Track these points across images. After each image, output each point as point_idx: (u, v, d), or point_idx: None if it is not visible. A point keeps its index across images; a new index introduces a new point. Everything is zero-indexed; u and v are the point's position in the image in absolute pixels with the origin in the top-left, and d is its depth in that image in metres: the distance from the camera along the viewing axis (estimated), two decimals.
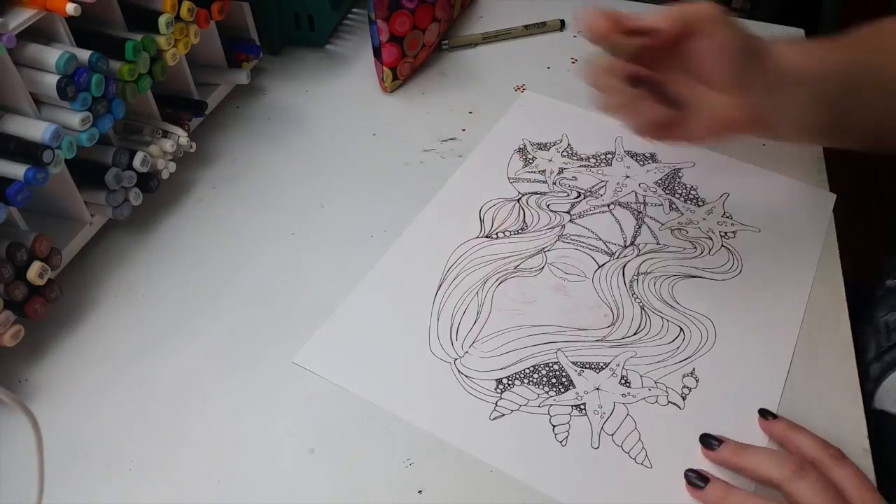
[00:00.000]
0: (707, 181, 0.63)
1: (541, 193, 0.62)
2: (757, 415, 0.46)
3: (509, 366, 0.50)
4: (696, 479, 0.43)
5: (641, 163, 0.65)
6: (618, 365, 0.50)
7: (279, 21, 0.77)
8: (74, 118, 0.50)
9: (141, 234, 0.60)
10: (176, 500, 0.44)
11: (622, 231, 0.59)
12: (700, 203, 0.61)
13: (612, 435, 0.46)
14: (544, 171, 0.64)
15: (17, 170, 0.47)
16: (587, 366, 0.50)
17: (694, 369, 0.50)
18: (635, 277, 0.55)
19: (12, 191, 0.46)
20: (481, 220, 0.60)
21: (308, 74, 0.76)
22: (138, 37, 0.54)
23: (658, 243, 0.58)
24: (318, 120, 0.71)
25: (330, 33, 0.81)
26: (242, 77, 0.69)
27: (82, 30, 0.52)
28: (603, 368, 0.50)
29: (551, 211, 0.61)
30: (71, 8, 0.47)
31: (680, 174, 0.63)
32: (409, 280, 0.56)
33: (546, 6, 0.84)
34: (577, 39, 0.81)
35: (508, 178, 0.64)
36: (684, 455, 0.45)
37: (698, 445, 0.45)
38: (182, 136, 0.60)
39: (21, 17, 0.46)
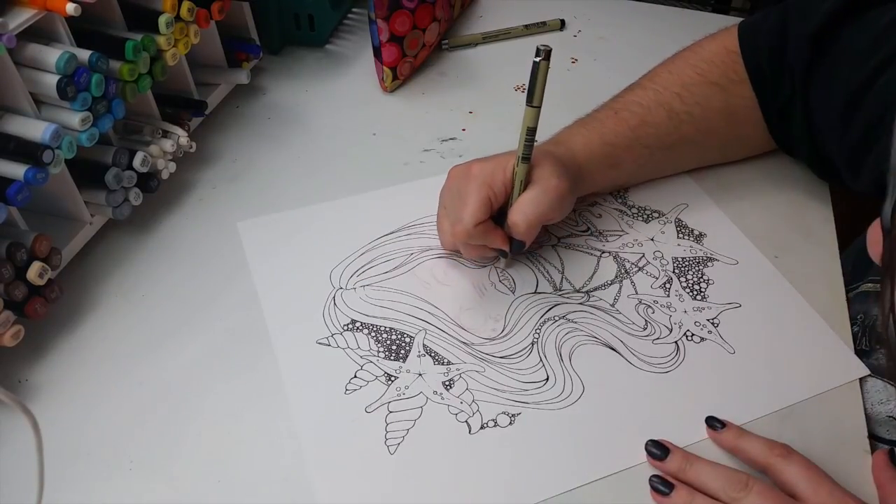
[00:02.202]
0: (731, 283, 0.55)
1: None
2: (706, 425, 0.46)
3: (374, 317, 0.53)
4: (660, 485, 0.43)
5: (681, 236, 0.59)
6: (458, 369, 0.50)
7: (279, 21, 0.77)
8: (74, 118, 0.50)
9: (141, 234, 0.60)
10: (176, 500, 0.44)
11: (590, 278, 0.56)
12: (698, 297, 0.55)
13: (390, 412, 0.47)
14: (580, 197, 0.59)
15: (17, 170, 0.47)
16: (432, 354, 0.51)
17: (519, 413, 0.47)
18: (554, 319, 0.53)
19: (12, 191, 0.46)
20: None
21: (308, 74, 0.76)
22: (138, 37, 0.54)
23: (612, 306, 0.54)
24: (318, 120, 0.71)
25: (330, 33, 0.81)
26: (242, 77, 0.69)
27: (82, 30, 0.52)
28: (443, 364, 0.50)
29: (546, 230, 0.59)
30: (71, 8, 0.47)
31: (710, 263, 0.57)
32: (370, 217, 0.60)
33: (546, 6, 0.84)
34: (577, 39, 0.81)
35: None
36: (429, 459, 0.45)
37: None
38: (182, 135, 0.60)
39: (21, 17, 0.46)
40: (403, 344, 0.51)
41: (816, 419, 0.46)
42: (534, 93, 0.48)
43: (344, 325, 0.52)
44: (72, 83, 0.49)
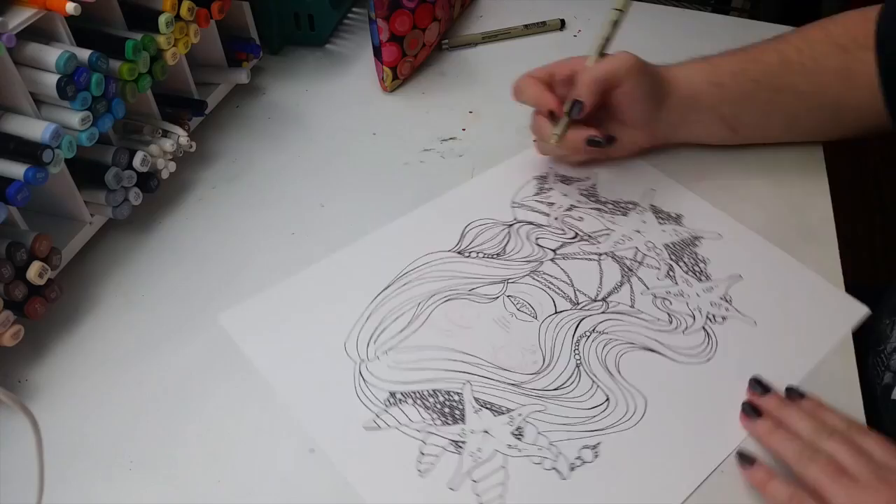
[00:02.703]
0: (724, 257, 0.57)
1: (536, 225, 0.59)
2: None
3: (411, 382, 0.48)
4: (750, 410, 0.46)
5: (661, 221, 0.59)
6: (520, 414, 0.47)
7: (279, 20, 0.77)
8: (74, 118, 0.50)
9: (141, 234, 0.60)
10: (176, 500, 0.44)
11: (600, 284, 0.55)
12: (703, 278, 0.55)
13: (477, 482, 0.44)
14: (553, 205, 0.61)
15: (16, 169, 0.47)
16: (488, 406, 0.47)
17: (599, 443, 0.46)
18: (587, 334, 0.52)
19: (12, 190, 0.46)
20: (462, 236, 0.58)
21: (308, 74, 0.76)
22: (138, 36, 0.54)
23: (632, 307, 0.53)
24: (318, 120, 0.71)
25: (330, 33, 0.81)
26: (242, 76, 0.69)
27: (82, 29, 0.52)
28: (503, 413, 0.47)
29: (538, 245, 0.58)
30: (71, 7, 0.47)
31: (698, 242, 0.58)
32: (360, 274, 0.56)
33: (546, 6, 0.84)
34: (577, 39, 0.81)
35: (512, 202, 0.61)
36: None
37: None
38: (182, 135, 0.60)
39: (21, 17, 0.46)
40: (454, 403, 0.48)
41: None
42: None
43: (385, 401, 0.47)
44: (72, 83, 0.48)
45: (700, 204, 0.61)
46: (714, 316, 0.53)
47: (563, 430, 0.46)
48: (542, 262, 0.57)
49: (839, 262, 0.57)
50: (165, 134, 0.60)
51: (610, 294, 0.54)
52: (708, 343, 0.51)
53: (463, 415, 0.47)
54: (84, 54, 0.49)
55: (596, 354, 0.50)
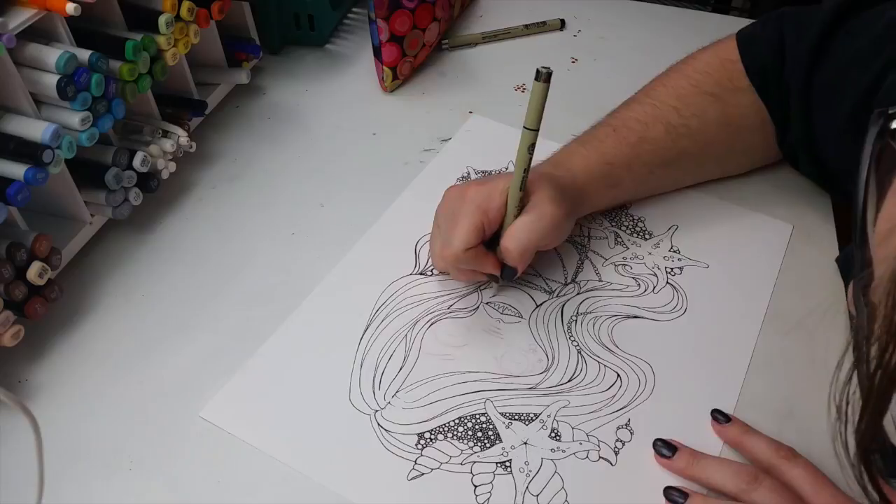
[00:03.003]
0: (656, 213, 0.60)
1: None
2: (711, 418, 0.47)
3: (433, 418, 0.47)
4: (677, 496, 0.43)
5: None
6: (549, 416, 0.47)
7: (279, 21, 0.77)
8: (74, 118, 0.50)
9: (141, 234, 0.60)
10: (176, 500, 0.44)
11: (563, 267, 0.56)
12: (647, 236, 0.58)
13: (538, 496, 0.43)
14: None
15: (17, 170, 0.47)
16: (516, 417, 0.47)
17: (629, 420, 0.47)
18: (574, 318, 0.53)
19: (12, 191, 0.46)
20: (416, 255, 0.57)
21: (308, 74, 0.76)
22: (138, 36, 0.54)
23: (600, 280, 0.55)
24: (318, 120, 0.71)
25: (330, 33, 0.81)
26: (242, 77, 0.69)
27: (82, 29, 0.52)
28: (533, 420, 0.47)
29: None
30: (71, 8, 0.47)
31: (628, 205, 0.61)
32: (334, 323, 0.52)
33: (546, 6, 0.84)
34: (577, 39, 0.81)
35: None
36: None
37: None
38: (182, 135, 0.60)
39: (21, 17, 0.46)
40: (484, 425, 0.47)
41: (817, 419, 0.46)
42: (532, 115, 0.46)
43: (416, 445, 0.46)
44: (72, 83, 0.49)
45: None
46: (671, 269, 0.56)
47: (593, 419, 0.47)
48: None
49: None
50: (165, 134, 0.60)
51: (577, 274, 0.56)
52: (677, 296, 0.54)
53: (497, 433, 0.46)
54: (84, 55, 0.49)
55: (590, 335, 0.52)
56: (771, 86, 0.56)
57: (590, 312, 0.53)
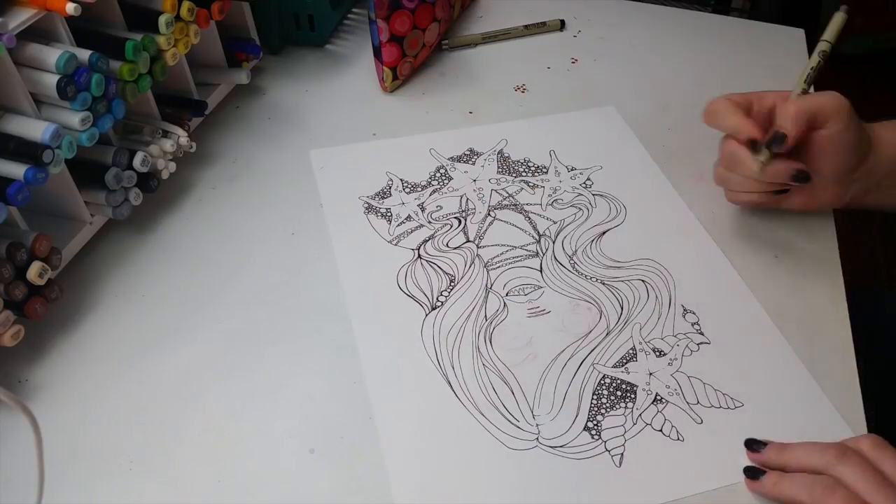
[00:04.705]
0: (530, 145, 0.66)
1: (430, 237, 0.58)
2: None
3: (578, 410, 0.48)
4: (752, 473, 0.43)
5: (468, 162, 0.65)
6: (639, 342, 0.51)
7: (279, 21, 0.77)
8: (74, 118, 0.50)
9: (141, 234, 0.60)
10: (176, 500, 0.44)
11: (522, 229, 0.59)
12: (543, 170, 0.64)
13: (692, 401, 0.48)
14: (410, 217, 0.60)
15: (17, 169, 0.47)
16: (625, 360, 0.50)
17: (684, 307, 0.53)
18: (571, 259, 0.57)
19: (12, 190, 0.46)
20: (413, 298, 0.54)
21: (308, 74, 0.76)
22: (138, 37, 0.54)
23: (555, 222, 0.60)
24: (318, 120, 0.71)
25: (330, 33, 0.81)
26: (242, 77, 0.69)
27: (82, 29, 0.52)
28: (634, 357, 0.50)
29: (454, 250, 0.57)
30: (71, 8, 0.47)
31: (505, 153, 0.66)
32: (424, 393, 0.49)
33: (546, 6, 0.84)
34: (577, 39, 0.81)
35: (390, 243, 0.58)
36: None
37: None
38: (182, 135, 0.60)
39: (21, 17, 0.46)
40: (612, 384, 0.49)
41: (816, 420, 0.46)
42: (831, 33, 0.53)
43: (595, 438, 0.46)
44: (72, 83, 0.49)
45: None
46: (586, 184, 0.63)
47: (660, 324, 0.52)
48: (478, 256, 0.57)
49: (839, 262, 0.57)
50: (165, 134, 0.60)
51: (536, 229, 0.59)
52: (609, 204, 0.61)
53: (629, 384, 0.49)
54: (84, 55, 0.49)
55: (593, 262, 0.57)
56: None
57: (577, 251, 0.57)
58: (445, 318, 0.53)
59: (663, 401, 0.48)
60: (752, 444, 0.45)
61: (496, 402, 0.48)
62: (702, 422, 0.47)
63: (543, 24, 0.82)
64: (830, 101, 0.50)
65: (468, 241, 0.58)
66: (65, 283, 0.53)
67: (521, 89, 0.74)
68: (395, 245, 0.58)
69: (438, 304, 0.54)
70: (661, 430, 0.47)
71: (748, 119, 0.51)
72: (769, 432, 0.46)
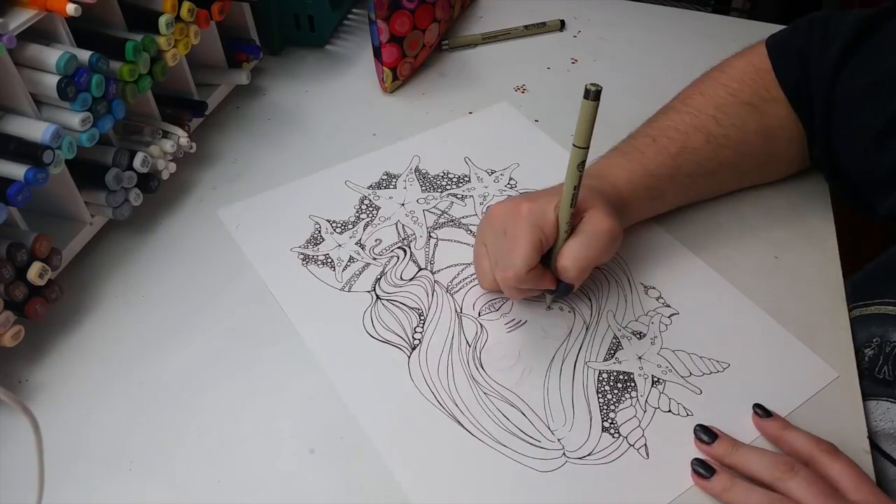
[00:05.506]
0: (443, 156, 0.66)
1: (381, 274, 0.56)
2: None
3: (591, 409, 0.48)
4: (701, 469, 0.43)
5: (388, 187, 0.63)
6: (618, 329, 0.52)
7: (279, 21, 0.77)
8: (74, 118, 0.50)
9: (141, 235, 0.60)
10: (176, 500, 0.44)
11: (467, 244, 0.58)
12: (465, 179, 0.64)
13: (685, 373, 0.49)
14: (352, 258, 0.57)
15: (17, 170, 0.47)
16: (612, 351, 0.51)
17: (643, 284, 0.55)
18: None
19: (12, 191, 0.46)
20: (389, 343, 0.52)
21: (308, 74, 0.76)
22: (138, 37, 0.54)
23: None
24: (318, 120, 0.71)
25: (330, 33, 0.81)
26: (242, 77, 0.69)
27: (82, 30, 0.52)
28: (619, 346, 0.51)
29: (409, 281, 0.55)
30: (71, 8, 0.47)
31: (422, 170, 0.64)
32: (436, 440, 0.47)
33: (546, 6, 0.84)
34: (576, 39, 0.81)
35: (342, 290, 0.55)
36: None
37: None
38: (182, 136, 0.60)
39: (21, 18, 0.46)
40: (609, 377, 0.49)
41: (816, 420, 0.46)
42: (581, 133, 0.44)
43: (615, 435, 0.46)
44: (72, 83, 0.49)
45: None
46: (509, 183, 0.63)
47: (629, 307, 0.54)
48: (436, 282, 0.55)
49: (839, 262, 0.57)
50: (166, 135, 0.60)
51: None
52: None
53: (626, 374, 0.50)
54: (84, 55, 0.49)
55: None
56: (803, 97, 0.56)
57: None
58: (429, 354, 0.51)
59: (661, 381, 0.49)
60: (702, 434, 0.45)
61: (511, 428, 0.47)
62: (701, 392, 0.48)
63: (543, 24, 0.82)
64: (600, 244, 0.49)
65: (421, 269, 0.56)
66: (65, 284, 0.53)
67: (521, 90, 0.74)
68: (348, 291, 0.55)
69: (416, 342, 0.52)
70: (669, 411, 0.47)
71: (546, 273, 0.49)
72: (758, 385, 0.49)
